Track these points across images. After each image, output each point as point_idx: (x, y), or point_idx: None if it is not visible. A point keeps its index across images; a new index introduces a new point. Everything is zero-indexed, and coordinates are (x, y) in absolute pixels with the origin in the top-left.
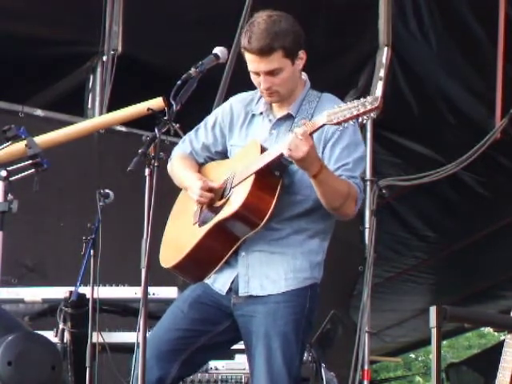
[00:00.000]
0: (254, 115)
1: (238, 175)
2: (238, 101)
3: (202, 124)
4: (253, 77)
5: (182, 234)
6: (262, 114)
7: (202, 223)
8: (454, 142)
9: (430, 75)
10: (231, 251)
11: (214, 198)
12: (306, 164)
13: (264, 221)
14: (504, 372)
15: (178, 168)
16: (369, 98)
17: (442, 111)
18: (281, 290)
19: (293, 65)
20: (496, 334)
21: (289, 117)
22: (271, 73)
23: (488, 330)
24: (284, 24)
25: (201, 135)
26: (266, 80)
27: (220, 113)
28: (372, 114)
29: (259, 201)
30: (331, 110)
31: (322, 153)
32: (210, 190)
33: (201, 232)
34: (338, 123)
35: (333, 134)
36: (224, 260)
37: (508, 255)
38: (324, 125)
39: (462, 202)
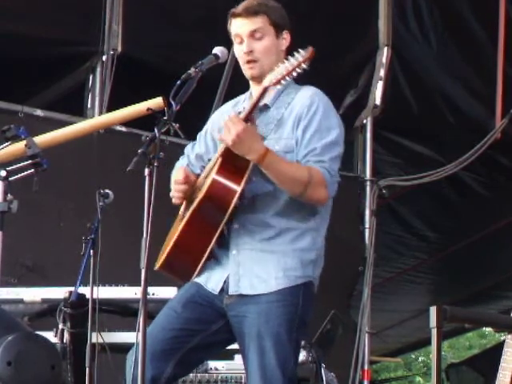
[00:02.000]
0: (240, 113)
1: (211, 163)
2: (224, 107)
3: (197, 136)
4: (236, 48)
5: (170, 235)
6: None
7: (182, 219)
8: (454, 141)
9: (430, 75)
10: (212, 242)
11: (196, 193)
12: (242, 149)
13: (233, 202)
14: (504, 372)
15: (172, 179)
16: (301, 51)
17: (442, 111)
18: (272, 290)
19: (277, 38)
20: (496, 334)
21: (266, 107)
22: (254, 35)
23: (488, 330)
24: (273, 3)
25: (196, 146)
26: (249, 43)
27: (210, 121)
28: (304, 65)
29: (228, 181)
30: (271, 73)
31: (296, 131)
32: (185, 180)
33: (180, 226)
34: (278, 82)
35: (305, 115)
36: (207, 253)
37: (508, 255)
38: (266, 88)
39: (462, 202)
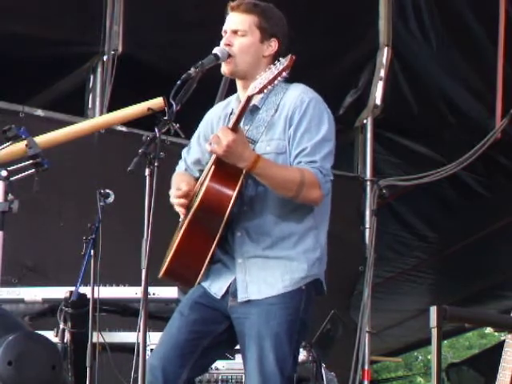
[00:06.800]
0: (231, 114)
1: (205, 172)
2: (215, 108)
3: (191, 140)
4: (222, 42)
5: (172, 242)
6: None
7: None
8: (454, 142)
9: (430, 75)
10: (212, 249)
11: (193, 200)
12: (233, 158)
13: (229, 208)
14: (504, 372)
15: (172, 186)
16: (282, 60)
17: (442, 111)
18: (279, 292)
19: (260, 42)
20: (496, 334)
21: (255, 108)
22: (237, 31)
23: (489, 330)
24: (274, 10)
25: (191, 151)
26: (229, 37)
27: (202, 124)
28: (285, 74)
29: (222, 187)
30: (255, 81)
31: (288, 132)
32: (186, 194)
33: (180, 234)
34: (261, 91)
35: (296, 115)
36: (208, 260)
37: (508, 255)
38: (250, 97)
39: (461, 202)
